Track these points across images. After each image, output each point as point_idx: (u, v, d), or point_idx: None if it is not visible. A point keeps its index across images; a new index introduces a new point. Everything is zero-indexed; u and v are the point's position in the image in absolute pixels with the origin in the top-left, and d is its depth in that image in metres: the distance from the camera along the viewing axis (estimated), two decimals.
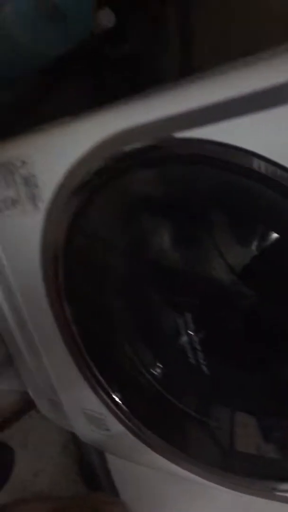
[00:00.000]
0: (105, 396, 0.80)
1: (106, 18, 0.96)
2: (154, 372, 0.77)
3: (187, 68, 1.24)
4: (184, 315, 0.69)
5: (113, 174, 0.63)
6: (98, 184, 0.65)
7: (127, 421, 0.79)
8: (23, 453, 1.21)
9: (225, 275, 0.79)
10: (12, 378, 1.20)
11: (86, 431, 0.94)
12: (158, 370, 0.77)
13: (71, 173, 0.66)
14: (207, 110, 0.51)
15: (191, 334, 0.68)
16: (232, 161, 0.52)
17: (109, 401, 0.80)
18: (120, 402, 0.79)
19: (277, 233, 0.66)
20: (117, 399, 0.79)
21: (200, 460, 0.77)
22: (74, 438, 1.32)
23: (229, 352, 0.70)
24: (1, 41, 0.70)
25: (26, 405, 1.23)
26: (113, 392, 0.79)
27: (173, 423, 0.78)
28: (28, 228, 0.75)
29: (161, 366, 0.77)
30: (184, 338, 0.72)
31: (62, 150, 0.65)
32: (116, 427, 0.83)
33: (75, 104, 1.23)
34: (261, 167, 0.49)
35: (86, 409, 0.89)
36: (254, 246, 0.79)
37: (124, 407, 0.78)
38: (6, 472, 1.10)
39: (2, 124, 0.80)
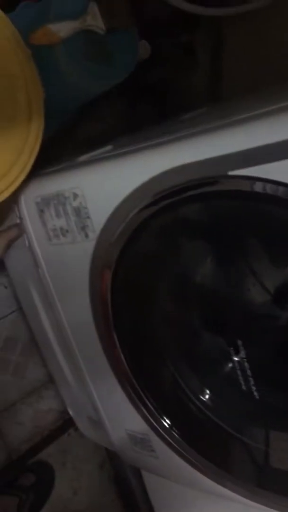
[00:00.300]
0: (152, 420, 0.82)
1: (144, 51, 1.00)
2: (201, 397, 0.79)
3: (217, 94, 1.27)
4: (232, 341, 0.71)
5: (163, 208, 0.66)
6: (149, 216, 0.68)
7: (173, 443, 0.81)
8: (62, 472, 1.23)
9: (263, 298, 0.82)
10: (52, 398, 1.23)
11: (128, 451, 0.96)
12: (206, 395, 0.79)
13: (123, 205, 0.69)
14: (259, 151, 0.54)
15: (241, 360, 0.69)
16: (279, 196, 0.55)
17: (156, 425, 0.82)
18: (169, 427, 0.81)
19: None
20: (165, 424, 0.81)
21: (242, 479, 0.78)
22: (110, 457, 1.34)
23: (274, 374, 0.72)
24: (53, 80, 0.74)
25: (65, 424, 1.25)
26: (162, 417, 0.81)
27: (218, 444, 0.80)
28: (78, 256, 0.78)
29: (208, 391, 0.79)
30: (233, 365, 0.74)
31: (115, 184, 0.68)
32: (162, 448, 0.84)
33: (110, 131, 1.28)
34: None
35: (130, 430, 0.91)
36: None
37: (172, 431, 0.80)
38: (47, 490, 1.12)
39: (47, 157, 0.84)
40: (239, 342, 0.68)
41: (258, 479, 0.77)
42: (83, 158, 0.81)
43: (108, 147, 0.83)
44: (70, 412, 1.15)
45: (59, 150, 1.05)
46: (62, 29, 0.70)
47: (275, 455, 0.76)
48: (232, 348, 0.69)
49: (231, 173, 0.56)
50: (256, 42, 1.18)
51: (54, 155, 0.93)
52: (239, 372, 0.70)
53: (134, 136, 0.88)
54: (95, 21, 0.73)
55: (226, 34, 1.23)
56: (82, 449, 1.30)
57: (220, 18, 1.17)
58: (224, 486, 0.78)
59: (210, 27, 1.22)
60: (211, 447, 0.79)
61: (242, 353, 0.68)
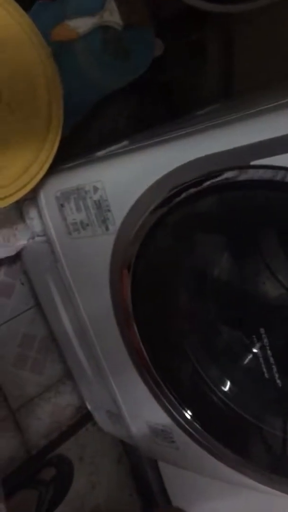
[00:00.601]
0: (174, 412, 0.83)
1: (157, 48, 1.01)
2: (222, 387, 0.80)
3: (229, 91, 1.28)
4: (253, 330, 0.72)
5: (184, 200, 0.67)
6: (170, 208, 0.69)
7: (195, 434, 0.82)
8: (80, 466, 1.24)
9: (278, 291, 0.83)
10: (69, 394, 1.24)
11: (148, 444, 0.97)
12: (227, 386, 0.80)
13: (144, 197, 0.70)
14: (282, 141, 0.55)
15: (264, 348, 0.70)
16: None
17: (178, 416, 0.83)
18: (190, 418, 0.81)
19: None
20: (186, 414, 0.82)
21: (261, 466, 0.79)
22: (127, 451, 1.35)
23: None
24: (72, 76, 0.75)
25: (82, 419, 1.26)
26: (183, 408, 0.82)
27: (238, 433, 0.81)
28: (98, 249, 0.79)
29: (228, 381, 0.80)
30: (254, 354, 0.75)
31: (137, 176, 0.69)
32: (183, 439, 0.85)
33: (121, 129, 1.29)
34: None
35: (151, 423, 0.92)
36: None
37: (193, 421, 0.81)
38: (67, 484, 1.14)
39: (64, 154, 0.85)
40: (262, 330, 0.69)
41: (277, 466, 0.77)
42: (100, 153, 0.82)
43: (124, 143, 0.84)
44: (88, 406, 1.16)
45: (74, 147, 1.06)
46: (81, 25, 0.71)
47: None
48: (254, 336, 0.70)
49: (253, 163, 0.56)
50: (267, 38, 1.18)
51: (70, 151, 0.95)
52: (261, 360, 0.71)
53: (149, 132, 0.89)
54: (112, 17, 0.75)
55: (236, 30, 1.24)
56: (100, 444, 1.31)
57: (230, 15, 1.18)
58: (244, 474, 0.79)
59: (221, 24, 1.23)
60: (232, 436, 0.79)
61: (265, 341, 0.69)
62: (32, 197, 0.88)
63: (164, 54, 1.11)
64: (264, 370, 0.71)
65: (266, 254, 0.86)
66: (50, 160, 0.74)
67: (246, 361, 0.78)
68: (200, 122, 0.66)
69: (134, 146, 0.73)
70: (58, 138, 0.74)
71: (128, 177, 0.71)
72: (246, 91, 1.20)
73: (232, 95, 1.25)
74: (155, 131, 0.84)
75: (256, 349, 0.74)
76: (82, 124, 1.17)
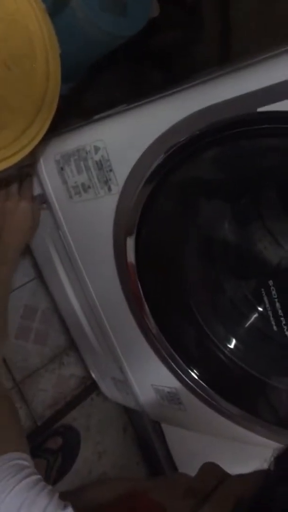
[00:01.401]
0: (180, 372, 0.83)
1: (154, 9, 0.98)
2: (228, 344, 0.80)
3: (226, 56, 1.26)
4: (262, 287, 0.72)
5: (189, 153, 0.66)
6: (173, 165, 0.68)
7: (202, 393, 0.82)
8: (86, 436, 1.25)
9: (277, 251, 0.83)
10: (73, 364, 1.25)
11: (155, 407, 0.97)
12: (232, 343, 0.80)
13: (147, 154, 0.69)
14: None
15: (272, 301, 0.70)
16: None
17: (184, 377, 0.83)
18: (197, 377, 0.82)
19: None
20: (193, 374, 0.82)
21: (270, 422, 0.79)
22: (132, 420, 1.36)
23: None
24: (69, 33, 0.73)
25: (87, 390, 1.27)
26: (190, 368, 0.82)
27: (246, 390, 0.81)
28: (101, 212, 0.78)
29: (234, 339, 0.80)
30: (261, 309, 0.75)
31: (138, 133, 0.68)
32: (190, 400, 0.86)
33: (118, 92, 1.27)
34: None
35: (157, 385, 0.92)
36: None
37: (200, 381, 0.81)
38: (74, 453, 1.14)
39: (61, 115, 0.84)
40: (270, 282, 0.69)
41: (285, 420, 0.78)
42: (99, 116, 0.81)
43: (122, 105, 0.83)
44: (93, 375, 1.17)
45: (71, 113, 1.04)
46: None
47: None
48: (263, 290, 0.70)
49: (260, 109, 0.55)
50: (263, 4, 1.16)
51: (67, 116, 0.93)
52: (270, 313, 0.71)
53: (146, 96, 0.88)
54: None
55: None
56: (105, 413, 1.32)
57: None
58: (252, 430, 0.80)
59: None
60: (239, 393, 0.80)
61: (273, 293, 0.69)
62: (31, 162, 0.87)
63: (159, 18, 1.09)
64: (273, 323, 0.71)
65: (266, 217, 0.86)
66: (49, 120, 0.72)
67: (252, 318, 0.78)
68: (198, 78, 0.65)
69: (133, 105, 0.72)
70: (57, 97, 0.72)
71: (130, 134, 0.70)
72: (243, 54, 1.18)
73: (229, 59, 1.23)
74: (153, 92, 0.82)
75: (263, 305, 0.74)
76: (80, 90, 1.16)
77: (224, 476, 0.51)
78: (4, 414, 0.68)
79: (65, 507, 0.49)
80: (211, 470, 0.53)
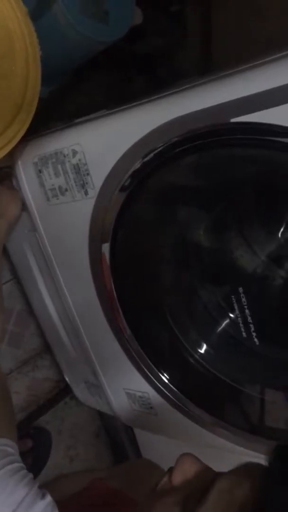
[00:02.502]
0: (151, 376, 0.84)
1: (137, 17, 0.99)
2: (199, 349, 0.81)
3: (207, 63, 1.28)
4: (233, 294, 0.73)
5: (166, 159, 0.66)
6: (149, 170, 0.69)
7: (173, 398, 0.83)
8: (58, 439, 1.25)
9: (255, 262, 0.84)
10: (47, 368, 1.24)
11: (127, 412, 0.97)
12: (203, 348, 0.81)
13: (123, 161, 0.69)
14: (260, 97, 0.55)
15: (242, 309, 0.71)
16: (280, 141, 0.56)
17: (155, 380, 0.84)
18: (168, 382, 0.82)
19: None
20: (164, 379, 0.83)
21: (239, 428, 0.80)
22: (105, 425, 1.36)
23: (273, 325, 0.74)
24: (50, 37, 0.74)
25: (60, 393, 1.26)
26: (160, 372, 0.82)
27: (216, 395, 0.82)
28: (77, 215, 0.79)
29: (205, 344, 0.81)
30: (232, 315, 0.76)
31: (115, 139, 0.69)
32: (161, 404, 0.86)
33: (100, 97, 1.28)
34: None
35: (129, 389, 0.92)
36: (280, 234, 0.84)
37: (171, 386, 0.82)
38: (45, 455, 1.14)
39: (40, 118, 0.84)
40: (240, 289, 0.70)
41: (254, 426, 0.79)
42: (77, 120, 0.81)
43: (102, 111, 0.83)
44: (67, 379, 1.16)
45: (51, 118, 1.05)
46: None
47: (269, 413, 0.78)
48: (233, 297, 0.71)
49: (233, 120, 0.56)
50: (246, 12, 1.18)
51: (47, 121, 0.93)
52: (240, 320, 0.72)
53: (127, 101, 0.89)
54: None
55: (215, 5, 1.24)
56: (78, 418, 1.31)
57: None
58: (222, 436, 0.80)
59: None
60: (209, 399, 0.81)
61: (243, 300, 0.70)
62: (8, 164, 0.87)
63: (143, 25, 1.10)
64: (242, 329, 0.72)
65: (243, 226, 0.87)
66: (28, 122, 0.72)
67: (224, 324, 0.79)
68: (178, 86, 0.66)
69: (112, 110, 0.72)
70: (36, 99, 0.72)
71: (107, 139, 0.71)
72: (224, 63, 1.20)
73: (210, 67, 1.25)
74: (133, 99, 0.83)
75: (234, 311, 0.75)
76: (61, 93, 1.16)
77: (211, 473, 0.48)
78: None
79: (43, 495, 0.50)
80: (196, 471, 0.49)
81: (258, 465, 0.42)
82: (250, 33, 1.14)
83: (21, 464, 0.54)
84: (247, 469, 0.43)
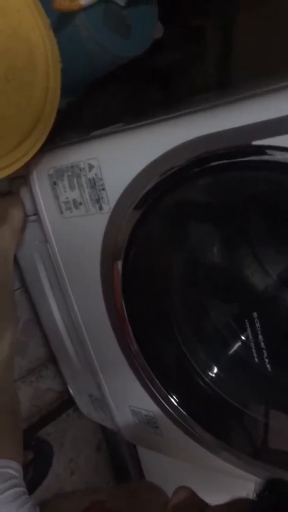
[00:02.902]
0: (158, 396, 0.82)
1: (157, 30, 0.99)
2: (209, 372, 0.79)
3: (226, 80, 1.27)
4: (245, 317, 0.71)
5: (184, 178, 0.66)
6: (166, 189, 0.68)
7: (180, 420, 0.81)
8: (60, 451, 1.23)
9: (265, 282, 0.83)
10: (51, 378, 1.23)
11: (131, 429, 0.96)
12: (214, 370, 0.79)
13: (140, 178, 0.68)
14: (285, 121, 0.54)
15: (255, 333, 0.70)
16: None
17: (163, 402, 0.82)
18: (175, 403, 0.81)
19: None
20: (172, 400, 0.81)
21: (244, 453, 0.79)
22: (107, 439, 1.34)
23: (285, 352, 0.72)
24: (71, 50, 0.73)
25: (63, 405, 1.25)
26: (169, 393, 0.81)
27: (223, 419, 0.80)
28: (90, 229, 0.78)
29: (215, 366, 0.79)
30: (244, 338, 0.74)
31: (133, 155, 0.68)
32: (167, 425, 0.85)
33: (116, 108, 1.28)
34: None
35: (134, 406, 0.91)
36: None
37: (179, 407, 0.80)
38: (46, 467, 1.12)
39: (56, 128, 0.83)
40: (255, 314, 0.68)
41: (258, 452, 0.77)
42: (95, 133, 0.81)
43: (119, 124, 0.83)
44: (71, 390, 1.15)
45: (68, 128, 1.04)
46: None
47: (273, 436, 0.77)
48: (246, 321, 0.70)
49: (255, 142, 0.55)
50: (268, 28, 1.18)
51: (64, 131, 0.93)
52: (252, 345, 0.70)
53: (144, 116, 0.88)
54: None
55: (237, 19, 1.23)
56: (80, 430, 1.30)
57: (231, 2, 1.17)
58: (226, 460, 0.79)
59: (222, 12, 1.22)
60: (216, 422, 0.79)
61: (257, 325, 0.68)
62: (23, 174, 0.87)
63: (162, 38, 1.09)
64: (255, 355, 0.70)
65: (254, 244, 0.86)
66: (46, 134, 0.72)
67: (235, 347, 0.78)
68: (198, 104, 0.65)
69: (131, 126, 0.72)
70: (55, 111, 0.72)
71: (125, 155, 0.70)
72: (243, 80, 1.19)
73: (229, 84, 1.24)
74: (151, 113, 0.82)
75: (246, 335, 0.74)
76: (77, 105, 1.16)
77: (201, 504, 0.51)
78: (6, 417, 0.67)
79: None
80: (188, 499, 0.52)
81: (247, 500, 0.42)
82: (272, 50, 1.13)
83: (23, 489, 0.53)
84: (236, 503, 0.43)
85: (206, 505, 0.49)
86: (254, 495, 0.42)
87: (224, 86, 1.28)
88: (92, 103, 1.25)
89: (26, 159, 0.72)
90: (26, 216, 0.90)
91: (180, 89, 1.35)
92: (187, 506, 0.49)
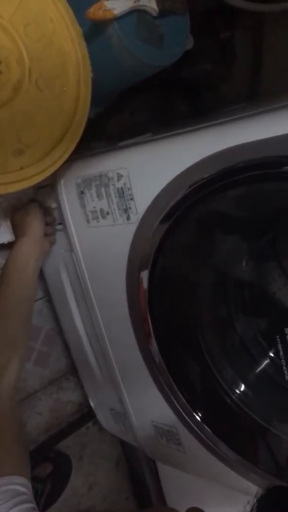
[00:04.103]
0: (182, 412, 0.80)
1: (188, 42, 0.98)
2: (236, 389, 0.77)
3: (255, 92, 1.26)
4: (275, 333, 0.69)
5: (213, 190, 0.64)
6: (195, 200, 0.67)
7: (204, 437, 0.79)
8: (78, 465, 1.21)
9: None
10: (72, 390, 1.22)
11: (152, 445, 0.94)
12: (241, 388, 0.77)
13: (169, 188, 0.67)
14: None
15: (286, 349, 0.68)
16: None
17: (187, 418, 0.80)
18: (200, 420, 0.79)
19: None
20: (197, 416, 0.79)
21: (269, 472, 0.76)
22: (126, 454, 1.32)
23: None
24: (103, 59, 0.73)
25: (83, 417, 1.23)
26: (193, 409, 0.79)
27: (248, 437, 0.78)
28: (117, 239, 0.77)
29: (243, 384, 0.77)
30: (271, 357, 0.72)
31: (163, 165, 0.67)
32: (190, 442, 0.83)
33: (143, 119, 1.27)
34: None
35: (157, 422, 0.89)
36: None
37: (204, 424, 0.78)
38: (64, 481, 1.11)
39: (86, 139, 0.83)
40: (287, 330, 0.66)
41: (281, 473, 0.74)
42: (123, 143, 0.80)
43: (147, 134, 0.82)
44: (91, 403, 1.14)
45: (96, 137, 1.04)
46: (117, 6, 0.69)
47: None
48: (278, 336, 0.67)
49: None
50: None
51: (91, 141, 0.93)
52: (283, 362, 0.68)
53: (172, 127, 0.87)
54: (148, 1, 0.73)
55: (267, 31, 1.22)
56: (100, 444, 1.28)
57: (261, 14, 1.16)
58: (250, 480, 0.76)
59: (252, 24, 1.21)
60: (241, 440, 0.77)
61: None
62: (50, 183, 0.86)
63: (192, 50, 1.09)
64: (285, 372, 0.68)
65: (283, 258, 0.84)
66: (75, 143, 0.72)
67: (263, 364, 0.76)
68: (228, 115, 0.64)
69: (161, 136, 0.71)
70: (85, 120, 0.72)
71: (154, 165, 0.69)
72: (273, 93, 1.18)
73: (258, 96, 1.23)
74: (179, 124, 0.82)
75: (275, 351, 0.71)
76: (105, 115, 1.16)
77: None
78: (8, 435, 0.66)
79: None
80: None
81: None
82: None
83: (32, 505, 0.51)
84: None
85: None
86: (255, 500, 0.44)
87: (253, 99, 1.27)
88: (119, 112, 1.25)
89: (55, 167, 0.72)
90: (48, 225, 0.89)
91: (208, 101, 1.34)
92: None
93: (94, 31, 0.72)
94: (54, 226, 0.91)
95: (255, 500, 0.43)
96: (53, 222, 0.91)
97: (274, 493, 0.45)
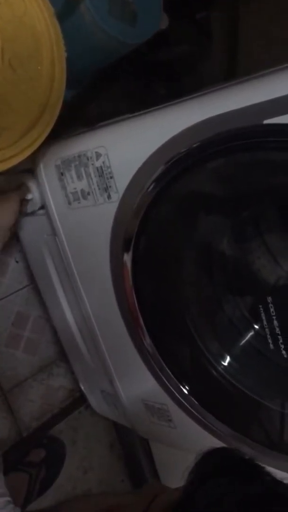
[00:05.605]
0: (171, 387, 0.81)
1: (163, 21, 0.98)
2: (222, 362, 0.78)
3: (233, 72, 1.26)
4: (259, 303, 0.70)
5: (191, 164, 0.64)
6: (175, 175, 0.67)
7: (193, 411, 0.80)
8: (72, 450, 1.22)
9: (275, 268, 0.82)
10: (62, 376, 1.22)
11: (144, 423, 0.95)
12: (226, 360, 0.78)
13: (147, 164, 0.67)
14: None
15: (270, 319, 0.68)
16: None
17: (175, 392, 0.81)
18: (188, 394, 0.79)
19: None
20: (185, 391, 0.80)
21: (259, 442, 0.77)
22: (119, 436, 1.33)
23: None
24: (76, 38, 0.73)
25: (75, 402, 1.24)
26: (181, 383, 0.80)
27: (237, 408, 0.79)
28: (99, 219, 0.77)
29: (228, 356, 0.78)
30: (256, 329, 0.73)
31: (140, 142, 0.67)
32: (180, 417, 0.83)
33: (123, 104, 1.27)
34: None
35: (147, 400, 0.90)
36: None
37: (192, 397, 0.79)
38: (58, 465, 1.11)
39: (63, 123, 0.83)
40: (269, 299, 0.67)
41: (275, 442, 0.76)
42: (102, 123, 0.80)
43: (126, 115, 0.82)
44: (82, 387, 1.14)
45: (73, 122, 1.04)
46: None
47: None
48: (261, 306, 0.68)
49: (267, 121, 0.54)
50: (272, 22, 1.17)
51: (69, 125, 0.92)
52: (267, 331, 0.69)
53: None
54: None
55: (242, 12, 1.22)
56: (92, 428, 1.29)
57: None
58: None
59: (227, 5, 1.21)
60: (230, 412, 0.78)
61: (272, 311, 0.67)
62: (29, 167, 0.86)
63: (168, 30, 1.08)
64: (270, 341, 0.69)
65: (267, 236, 0.85)
66: (51, 123, 0.71)
67: (248, 336, 0.77)
68: (203, 89, 0.64)
69: (138, 113, 0.71)
70: (61, 100, 0.71)
71: (132, 142, 0.69)
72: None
73: (236, 76, 1.23)
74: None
75: (260, 323, 0.72)
76: (84, 98, 1.15)
77: (163, 489, 0.54)
78: None
79: None
80: (149, 486, 0.55)
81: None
82: (278, 40, 1.12)
83: (7, 498, 0.52)
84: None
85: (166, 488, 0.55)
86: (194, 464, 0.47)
87: (232, 77, 1.27)
88: (98, 98, 1.24)
89: (32, 148, 0.71)
90: (22, 214, 0.88)
91: (186, 83, 1.34)
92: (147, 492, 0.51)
93: (66, 10, 0.71)
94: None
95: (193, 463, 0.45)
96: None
97: (211, 456, 0.48)
